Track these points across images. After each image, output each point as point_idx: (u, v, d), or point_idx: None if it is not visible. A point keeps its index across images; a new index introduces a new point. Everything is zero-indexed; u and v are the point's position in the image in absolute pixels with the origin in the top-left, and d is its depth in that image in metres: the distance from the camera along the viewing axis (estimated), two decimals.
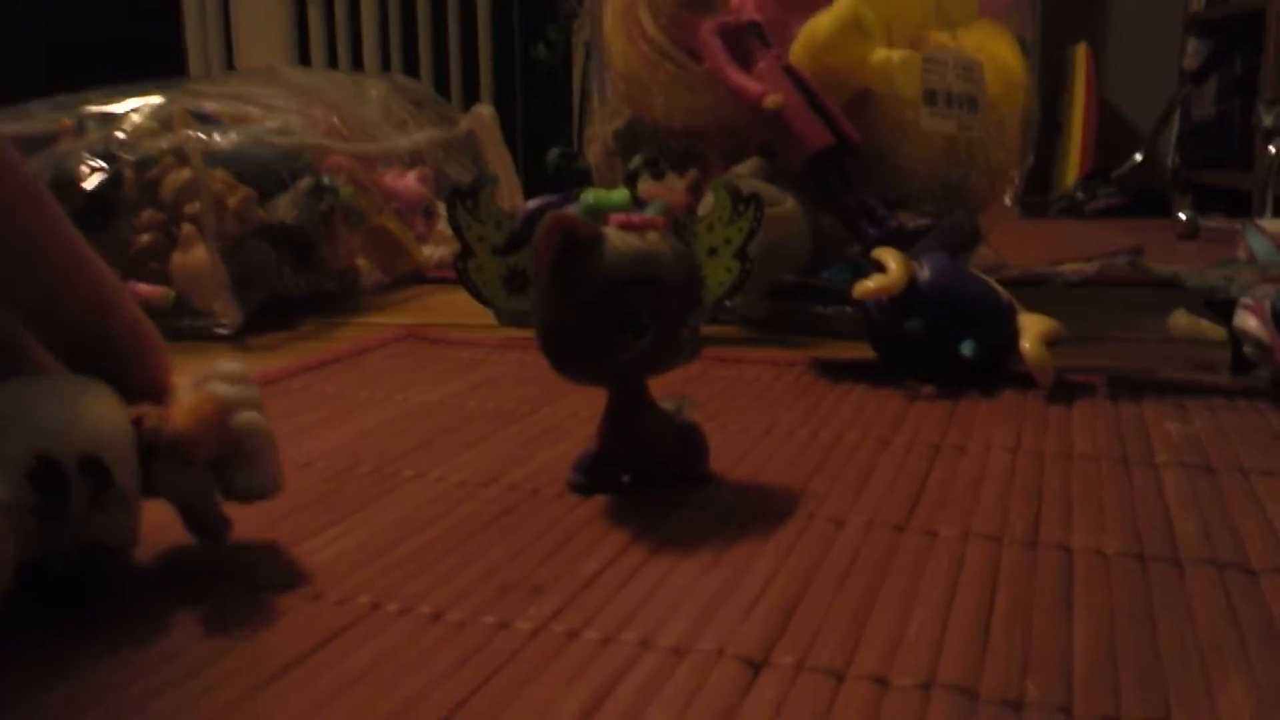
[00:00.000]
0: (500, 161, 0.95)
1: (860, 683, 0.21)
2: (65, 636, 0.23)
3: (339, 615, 0.24)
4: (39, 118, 0.66)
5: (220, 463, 0.26)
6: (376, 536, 0.28)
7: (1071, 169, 2.54)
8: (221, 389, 0.26)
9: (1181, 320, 0.48)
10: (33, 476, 0.23)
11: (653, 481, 0.33)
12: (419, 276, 0.78)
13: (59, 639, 0.23)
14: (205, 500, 0.26)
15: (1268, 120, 1.51)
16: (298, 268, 0.64)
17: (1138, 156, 1.38)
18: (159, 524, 0.27)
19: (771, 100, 0.55)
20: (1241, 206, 1.66)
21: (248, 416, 0.26)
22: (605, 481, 0.32)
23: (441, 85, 2.69)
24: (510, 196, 0.94)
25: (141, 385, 0.27)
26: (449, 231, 0.57)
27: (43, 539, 0.23)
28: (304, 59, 2.74)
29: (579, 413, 0.41)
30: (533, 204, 0.56)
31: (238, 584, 0.26)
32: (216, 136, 0.63)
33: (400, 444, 0.37)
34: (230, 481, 0.26)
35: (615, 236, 0.29)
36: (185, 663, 0.22)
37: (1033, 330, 0.44)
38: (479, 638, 0.23)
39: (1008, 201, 0.65)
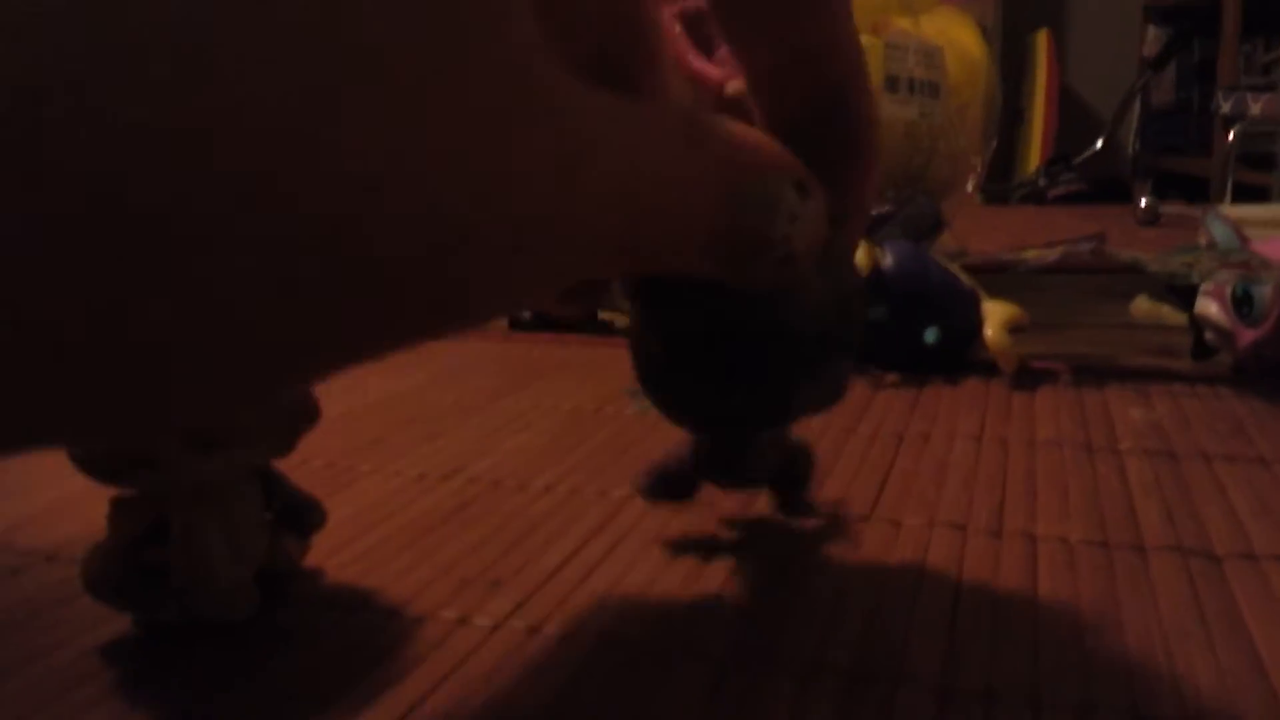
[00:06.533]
0: None
1: (831, 676, 0.21)
2: None
3: (293, 613, 0.24)
4: None
5: None
6: (332, 532, 0.27)
7: (1033, 155, 2.57)
8: None
9: (1143, 306, 0.49)
10: None
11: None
12: None
13: None
14: None
15: (1226, 107, 1.53)
16: None
17: (1099, 143, 1.39)
18: None
19: (733, 87, 0.55)
20: (1200, 192, 1.69)
21: None
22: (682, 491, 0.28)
23: None
24: None
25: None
26: None
27: None
28: None
29: (540, 403, 0.41)
30: None
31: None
32: None
33: (358, 438, 0.37)
34: None
35: None
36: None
37: (996, 317, 0.44)
38: (438, 633, 0.23)
39: (970, 188, 0.65)
